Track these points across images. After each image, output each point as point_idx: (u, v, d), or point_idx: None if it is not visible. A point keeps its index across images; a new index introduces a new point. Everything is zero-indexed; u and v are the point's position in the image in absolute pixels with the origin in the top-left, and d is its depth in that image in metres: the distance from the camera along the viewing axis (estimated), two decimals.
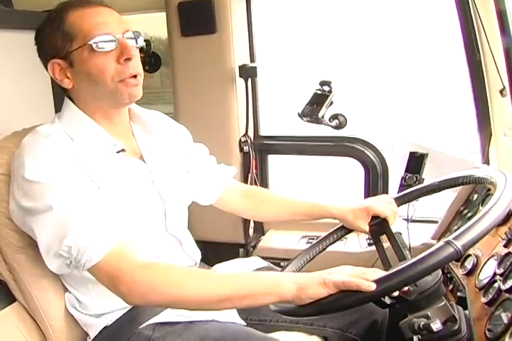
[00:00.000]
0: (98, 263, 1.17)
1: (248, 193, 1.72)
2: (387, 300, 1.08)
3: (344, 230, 1.55)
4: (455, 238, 0.98)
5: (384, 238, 1.45)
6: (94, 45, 1.24)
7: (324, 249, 1.50)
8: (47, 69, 1.33)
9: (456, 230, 1.02)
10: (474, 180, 1.34)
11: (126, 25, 1.31)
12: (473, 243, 0.99)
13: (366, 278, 1.04)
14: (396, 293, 1.08)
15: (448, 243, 0.98)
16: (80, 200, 1.21)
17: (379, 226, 1.48)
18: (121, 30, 1.28)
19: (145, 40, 1.37)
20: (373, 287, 0.99)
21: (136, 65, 1.30)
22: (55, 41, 1.28)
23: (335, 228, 1.56)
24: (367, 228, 1.51)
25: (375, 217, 1.50)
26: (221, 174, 1.69)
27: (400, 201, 1.55)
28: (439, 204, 2.00)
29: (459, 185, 1.42)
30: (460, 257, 0.98)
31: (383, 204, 1.51)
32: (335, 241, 1.54)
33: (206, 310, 1.27)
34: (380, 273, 1.05)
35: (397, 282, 0.98)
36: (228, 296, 1.12)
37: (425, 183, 1.56)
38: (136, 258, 1.18)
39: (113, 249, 1.17)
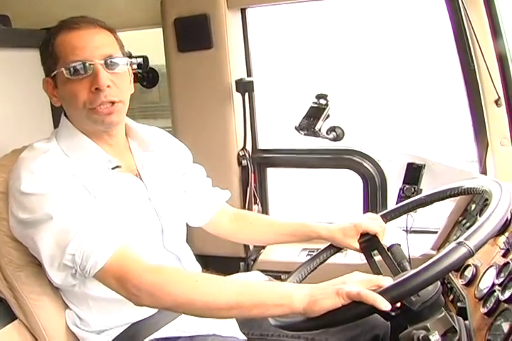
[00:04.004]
0: (104, 267, 1.16)
1: (237, 216, 1.72)
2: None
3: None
4: (466, 238, 1.00)
5: (377, 253, 1.46)
6: (66, 72, 1.26)
7: (323, 262, 1.50)
8: None
9: (455, 240, 1.03)
10: (462, 191, 1.36)
11: (110, 49, 1.30)
12: (483, 242, 1.00)
13: (380, 284, 1.03)
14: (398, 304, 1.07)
15: (460, 243, 0.99)
16: (79, 207, 1.22)
17: (370, 242, 1.49)
18: (101, 55, 1.27)
19: (142, 56, 1.38)
20: (389, 307, 0.97)
21: (113, 92, 1.28)
22: (46, 61, 1.32)
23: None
24: (357, 245, 1.50)
25: (364, 234, 1.50)
26: (215, 197, 1.69)
27: (388, 218, 1.54)
28: (438, 214, 2.00)
29: (447, 198, 1.42)
30: (470, 257, 1.00)
31: (371, 221, 1.51)
32: (334, 254, 1.54)
33: (213, 316, 1.19)
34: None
35: (414, 285, 0.98)
36: (238, 304, 1.09)
37: (412, 198, 1.54)
38: (143, 260, 1.18)
39: (117, 250, 1.17)
